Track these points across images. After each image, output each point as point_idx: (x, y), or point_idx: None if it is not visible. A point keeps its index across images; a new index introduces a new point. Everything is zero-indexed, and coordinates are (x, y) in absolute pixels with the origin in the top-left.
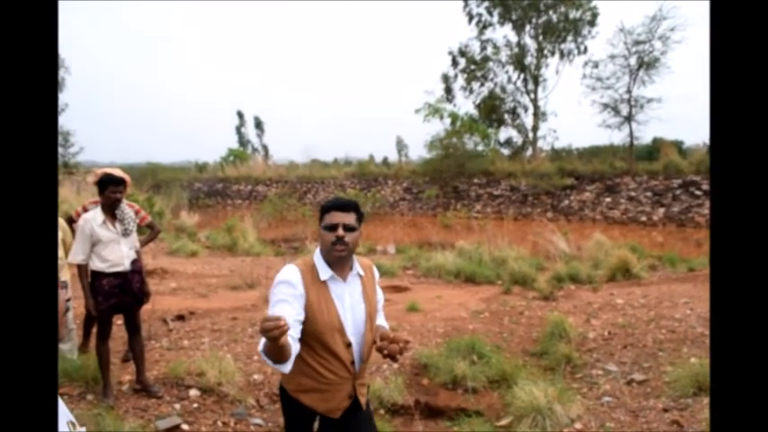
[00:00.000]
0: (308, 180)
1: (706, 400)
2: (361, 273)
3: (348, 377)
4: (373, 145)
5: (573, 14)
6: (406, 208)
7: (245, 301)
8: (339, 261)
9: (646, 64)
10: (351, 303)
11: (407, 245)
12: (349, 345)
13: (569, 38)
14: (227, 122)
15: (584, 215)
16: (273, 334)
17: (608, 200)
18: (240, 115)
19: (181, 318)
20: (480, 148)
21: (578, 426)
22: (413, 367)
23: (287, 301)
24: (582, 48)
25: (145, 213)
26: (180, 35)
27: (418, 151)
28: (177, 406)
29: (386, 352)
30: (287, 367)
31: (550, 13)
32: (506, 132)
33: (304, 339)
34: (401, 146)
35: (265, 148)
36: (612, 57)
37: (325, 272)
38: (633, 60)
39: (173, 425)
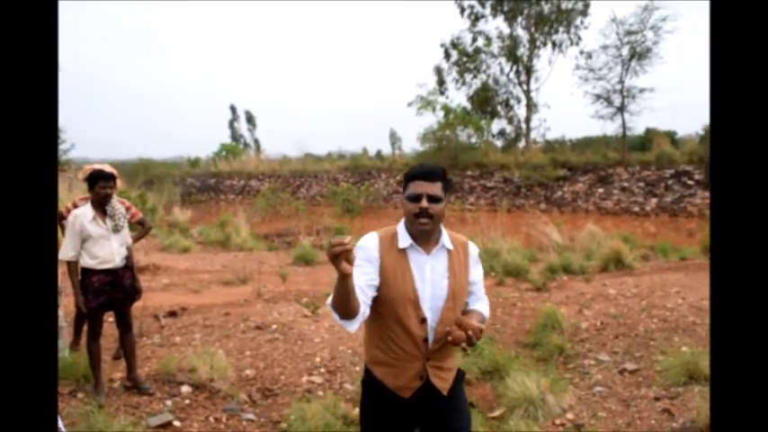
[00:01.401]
0: (300, 174)
1: (697, 389)
2: (450, 247)
3: (418, 355)
4: (366, 138)
5: (565, 5)
6: (400, 201)
7: (237, 297)
8: (422, 233)
9: (638, 54)
10: (432, 277)
11: None
12: (423, 320)
13: (561, 29)
14: (220, 117)
15: (578, 206)
16: (335, 251)
17: (601, 191)
18: (233, 110)
19: (173, 314)
20: (473, 140)
21: (570, 416)
22: None
23: (360, 266)
24: (574, 39)
25: (136, 210)
26: (171, 30)
27: (412, 144)
28: (169, 402)
29: (450, 338)
30: (353, 325)
31: (542, 3)
32: (499, 124)
33: (377, 308)
34: (394, 139)
35: (257, 142)
36: (605, 47)
37: (405, 240)
38: (625, 51)
39: (164, 422)
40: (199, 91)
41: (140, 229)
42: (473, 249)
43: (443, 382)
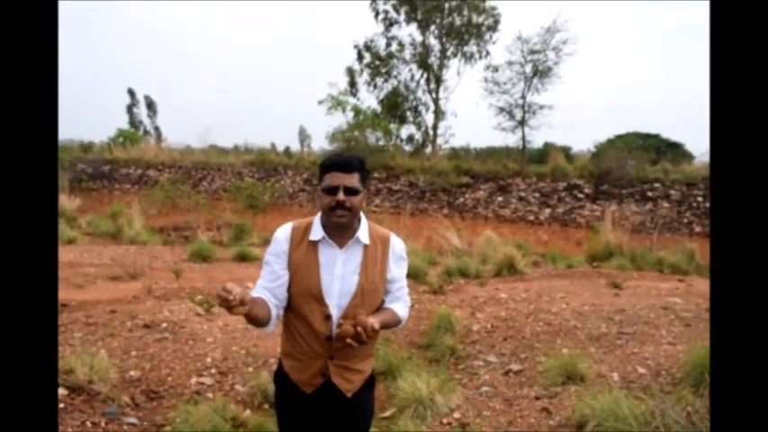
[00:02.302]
0: (203, 166)
1: (573, 388)
2: (366, 241)
3: (322, 352)
4: (275, 134)
5: (476, 19)
6: (305, 199)
7: (126, 293)
8: (338, 227)
9: (540, 72)
10: (342, 273)
11: None
12: (328, 317)
13: (472, 41)
14: (116, 101)
15: (478, 213)
16: (222, 305)
17: (500, 199)
18: (131, 94)
19: None
20: (382, 143)
21: (457, 415)
22: None
23: (269, 262)
24: (483, 52)
25: None
26: (64, 3)
27: (320, 142)
28: None
29: (337, 330)
30: (268, 329)
31: (455, 15)
32: (408, 129)
33: (289, 301)
34: (303, 136)
35: (158, 130)
36: (510, 63)
37: (317, 233)
38: (528, 68)
39: None
40: (95, 70)
41: None
42: (396, 245)
43: (347, 383)
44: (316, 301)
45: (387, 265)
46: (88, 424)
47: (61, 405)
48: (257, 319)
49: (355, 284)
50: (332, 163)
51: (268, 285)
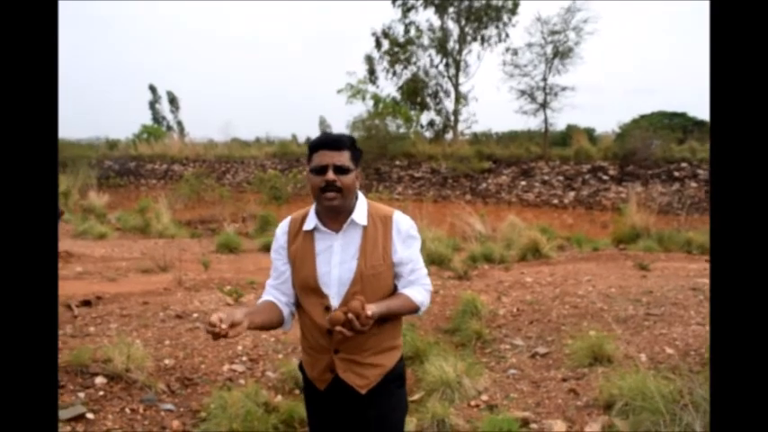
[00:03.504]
0: (227, 159)
1: (600, 370)
2: (363, 222)
3: (326, 346)
4: (296, 124)
5: (495, 2)
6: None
7: (156, 285)
8: (331, 210)
9: (560, 53)
10: (341, 259)
11: None
12: (328, 308)
13: (491, 24)
14: (140, 97)
15: (501, 198)
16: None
17: (523, 183)
18: (153, 90)
19: (87, 303)
20: (402, 130)
21: (485, 397)
22: None
23: (273, 259)
24: (503, 35)
25: None
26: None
27: (342, 132)
28: (81, 395)
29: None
30: (284, 327)
31: None
32: (429, 115)
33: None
34: (324, 126)
35: (181, 125)
36: (530, 45)
37: (310, 221)
38: (549, 49)
39: (76, 414)
40: (118, 68)
41: None
42: (402, 223)
43: (359, 379)
44: (314, 293)
45: (391, 245)
46: (127, 410)
47: (101, 393)
48: (264, 327)
49: (354, 270)
50: (319, 141)
51: (274, 284)
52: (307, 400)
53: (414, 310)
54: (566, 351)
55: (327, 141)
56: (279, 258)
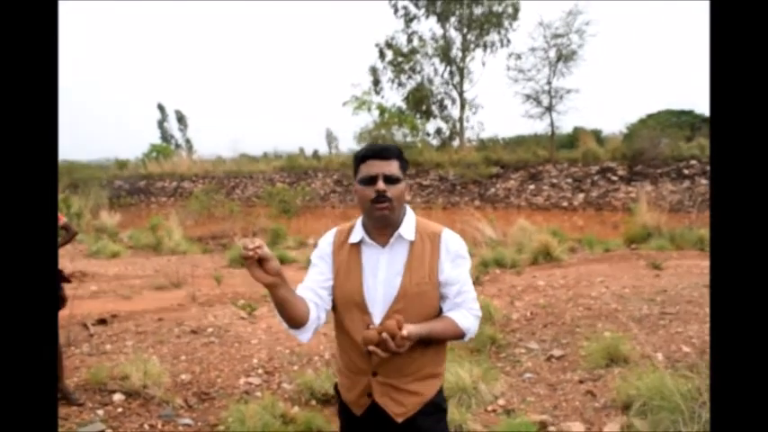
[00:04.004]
0: (235, 175)
1: (617, 371)
2: (411, 237)
3: (365, 368)
4: (303, 138)
5: (495, 8)
6: (337, 200)
7: (171, 301)
8: (381, 221)
9: (564, 56)
10: (387, 276)
11: None
12: (369, 327)
13: (493, 30)
14: (147, 118)
15: (510, 202)
16: (242, 254)
17: (531, 187)
18: (161, 109)
19: (102, 321)
20: (409, 139)
21: (501, 402)
22: None
23: (315, 264)
24: (505, 41)
25: (59, 214)
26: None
27: (348, 143)
28: (100, 412)
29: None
30: (304, 335)
31: (473, 6)
32: (435, 123)
33: (334, 311)
34: (331, 138)
35: (189, 142)
36: (533, 49)
37: (357, 234)
38: (552, 53)
39: (96, 431)
40: (125, 89)
41: (64, 234)
42: (451, 241)
43: (397, 406)
44: (358, 309)
45: (438, 264)
46: (146, 426)
47: (119, 410)
48: (285, 310)
49: (397, 287)
50: (368, 151)
51: (311, 284)
52: (342, 426)
53: (459, 335)
54: (581, 353)
55: (375, 151)
56: (322, 264)
